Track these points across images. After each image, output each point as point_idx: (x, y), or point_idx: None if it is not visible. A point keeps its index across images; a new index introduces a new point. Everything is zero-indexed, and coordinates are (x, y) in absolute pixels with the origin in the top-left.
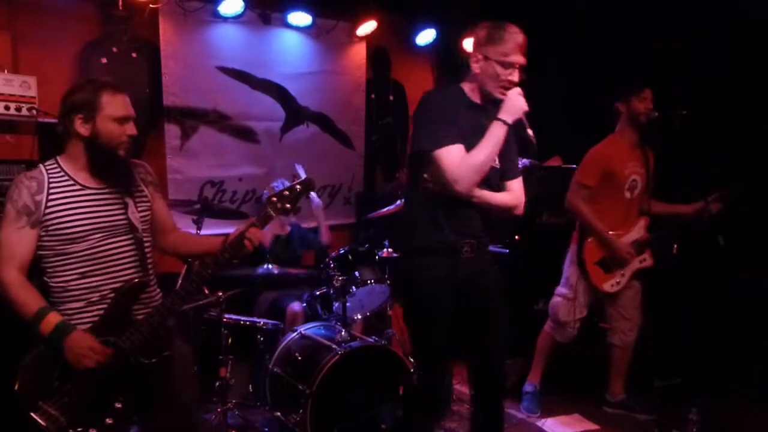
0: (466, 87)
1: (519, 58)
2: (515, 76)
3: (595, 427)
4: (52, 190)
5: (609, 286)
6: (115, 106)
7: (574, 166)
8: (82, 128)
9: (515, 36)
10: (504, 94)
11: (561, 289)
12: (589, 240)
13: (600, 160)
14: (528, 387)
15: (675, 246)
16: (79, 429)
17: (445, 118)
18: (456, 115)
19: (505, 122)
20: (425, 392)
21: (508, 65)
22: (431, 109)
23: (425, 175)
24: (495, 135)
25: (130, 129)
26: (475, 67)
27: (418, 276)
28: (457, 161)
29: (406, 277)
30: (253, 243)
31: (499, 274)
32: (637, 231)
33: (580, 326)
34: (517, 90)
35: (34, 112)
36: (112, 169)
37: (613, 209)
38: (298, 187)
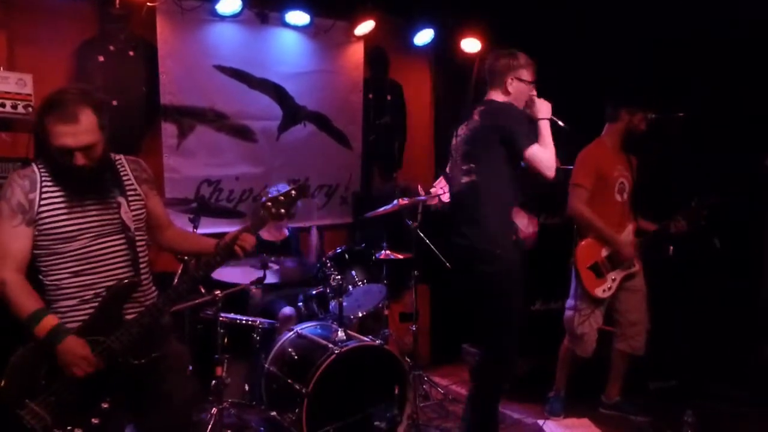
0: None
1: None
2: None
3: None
4: (44, 189)
5: (601, 291)
6: (56, 135)
7: (572, 167)
8: (41, 141)
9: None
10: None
11: (569, 301)
12: (582, 244)
13: (592, 160)
14: (552, 393)
15: (671, 248)
16: (65, 428)
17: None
18: None
19: (546, 119)
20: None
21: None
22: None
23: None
24: (548, 131)
25: (79, 159)
26: (510, 88)
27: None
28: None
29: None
30: (245, 250)
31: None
32: (627, 235)
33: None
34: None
35: (30, 109)
36: (72, 182)
37: (607, 213)
38: (293, 192)
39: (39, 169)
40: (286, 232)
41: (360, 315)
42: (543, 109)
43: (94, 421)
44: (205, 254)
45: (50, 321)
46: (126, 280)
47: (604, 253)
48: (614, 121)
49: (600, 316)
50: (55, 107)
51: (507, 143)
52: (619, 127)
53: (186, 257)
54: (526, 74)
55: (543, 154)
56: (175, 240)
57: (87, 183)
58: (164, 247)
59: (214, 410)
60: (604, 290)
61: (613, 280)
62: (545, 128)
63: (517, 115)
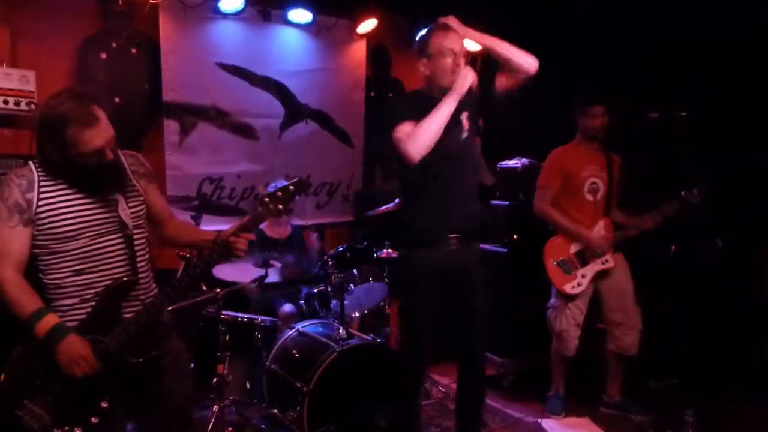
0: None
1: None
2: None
3: (599, 430)
4: (42, 189)
5: (570, 287)
6: (85, 142)
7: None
8: (53, 154)
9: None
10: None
11: (550, 301)
12: (550, 241)
13: (557, 161)
14: (551, 392)
15: (672, 247)
16: (64, 428)
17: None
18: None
19: (454, 93)
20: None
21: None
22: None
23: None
24: (444, 108)
25: (109, 155)
26: (424, 69)
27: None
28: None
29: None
30: (243, 250)
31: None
32: (598, 231)
33: (583, 334)
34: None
35: (33, 106)
36: (88, 181)
37: (578, 212)
38: (291, 187)
39: (36, 168)
40: (289, 230)
41: (361, 313)
42: (460, 81)
43: (93, 420)
44: (202, 247)
45: (51, 320)
46: (123, 279)
47: (572, 249)
48: (577, 123)
49: (579, 314)
50: (74, 118)
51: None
52: (580, 131)
53: (188, 255)
54: (432, 47)
55: (405, 129)
56: (176, 232)
57: (112, 176)
58: (168, 241)
59: (215, 408)
60: (573, 287)
61: (583, 276)
62: (442, 103)
63: (392, 103)
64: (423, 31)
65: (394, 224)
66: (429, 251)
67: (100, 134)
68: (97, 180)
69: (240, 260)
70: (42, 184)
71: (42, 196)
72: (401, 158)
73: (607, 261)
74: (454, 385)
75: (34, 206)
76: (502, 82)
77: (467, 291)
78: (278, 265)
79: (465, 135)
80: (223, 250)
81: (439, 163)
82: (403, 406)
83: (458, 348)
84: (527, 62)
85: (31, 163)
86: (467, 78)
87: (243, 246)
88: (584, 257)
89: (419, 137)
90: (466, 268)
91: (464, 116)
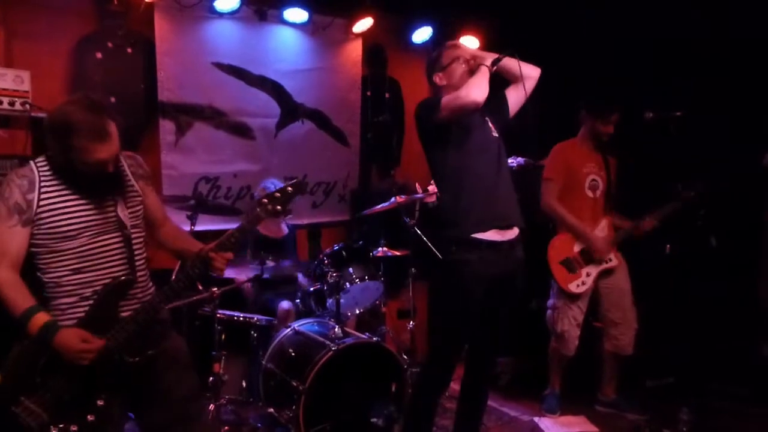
0: None
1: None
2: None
3: (594, 429)
4: (43, 189)
5: (575, 286)
6: (90, 152)
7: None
8: (56, 155)
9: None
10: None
11: (549, 301)
12: (555, 239)
13: (561, 154)
14: (547, 390)
15: (668, 247)
16: (60, 425)
17: None
18: None
19: (486, 66)
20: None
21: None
22: None
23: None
24: (480, 74)
25: (110, 167)
26: (439, 81)
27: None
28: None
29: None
30: (222, 270)
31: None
32: (601, 230)
33: (581, 333)
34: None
35: (28, 106)
36: (88, 185)
37: (579, 208)
38: (289, 189)
39: (38, 167)
40: (285, 230)
41: (357, 312)
42: (486, 57)
43: (90, 417)
44: (186, 258)
45: (41, 318)
46: (121, 278)
47: (576, 248)
48: (582, 123)
49: (579, 313)
50: (85, 129)
51: (429, 127)
52: (585, 130)
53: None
54: (445, 58)
55: (453, 93)
56: (166, 237)
57: (111, 183)
58: (160, 244)
59: (211, 407)
60: (578, 285)
61: (588, 275)
62: (478, 71)
63: (425, 99)
64: (432, 54)
65: (435, 222)
66: (479, 253)
67: (106, 149)
68: (96, 185)
69: (235, 259)
70: (43, 183)
71: (43, 195)
72: (457, 115)
73: (611, 259)
74: (451, 384)
75: (35, 206)
76: (512, 95)
77: (505, 293)
78: (272, 264)
79: (495, 134)
80: (201, 265)
81: (478, 157)
82: (418, 406)
83: (476, 347)
84: (531, 70)
85: (31, 162)
86: (485, 54)
87: (221, 265)
88: (589, 256)
89: (472, 84)
90: (512, 271)
91: (488, 119)
